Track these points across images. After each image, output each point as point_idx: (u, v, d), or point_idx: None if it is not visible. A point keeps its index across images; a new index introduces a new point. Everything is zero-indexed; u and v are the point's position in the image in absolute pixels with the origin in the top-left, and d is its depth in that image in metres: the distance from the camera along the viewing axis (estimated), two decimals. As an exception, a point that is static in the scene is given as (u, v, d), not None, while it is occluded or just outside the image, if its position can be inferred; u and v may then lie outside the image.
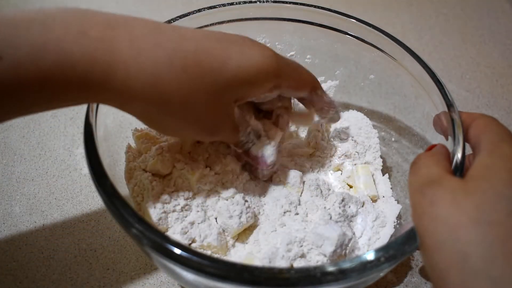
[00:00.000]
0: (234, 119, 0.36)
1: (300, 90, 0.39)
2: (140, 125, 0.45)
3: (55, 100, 0.29)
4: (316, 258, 0.37)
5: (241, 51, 0.33)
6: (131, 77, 0.29)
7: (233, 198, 0.39)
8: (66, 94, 0.29)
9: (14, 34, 0.26)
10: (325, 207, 0.40)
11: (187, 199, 0.39)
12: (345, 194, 0.42)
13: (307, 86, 0.39)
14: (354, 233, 0.40)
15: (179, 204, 0.38)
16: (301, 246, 0.37)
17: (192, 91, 0.31)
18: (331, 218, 0.39)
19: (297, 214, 0.41)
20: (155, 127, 0.35)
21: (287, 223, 0.40)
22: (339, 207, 0.40)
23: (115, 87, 0.29)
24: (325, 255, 0.36)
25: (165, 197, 0.38)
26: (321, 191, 0.43)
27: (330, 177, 0.47)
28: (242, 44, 0.34)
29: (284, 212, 0.41)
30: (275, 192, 0.42)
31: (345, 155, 0.48)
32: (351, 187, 0.47)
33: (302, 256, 0.37)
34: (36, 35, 0.27)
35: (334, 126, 0.50)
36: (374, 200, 0.46)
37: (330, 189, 0.44)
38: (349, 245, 0.38)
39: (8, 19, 0.27)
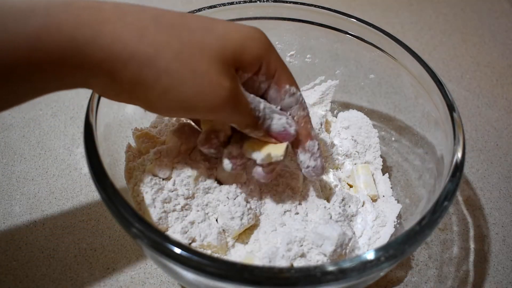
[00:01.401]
0: (240, 89, 0.34)
1: (285, 83, 0.36)
2: (140, 124, 0.45)
3: (45, 71, 0.28)
4: (316, 257, 0.37)
5: (227, 22, 0.34)
6: (119, 33, 0.29)
7: (234, 199, 0.39)
8: (55, 61, 0.28)
9: (3, 5, 0.27)
10: (325, 207, 0.40)
11: (187, 198, 0.39)
12: (345, 193, 0.42)
13: (292, 82, 0.37)
14: (354, 233, 0.40)
15: (179, 204, 0.38)
16: (301, 245, 0.37)
17: (183, 44, 0.31)
18: (331, 217, 0.39)
19: (297, 213, 0.41)
20: (153, 97, 0.32)
21: (287, 223, 0.40)
22: (339, 207, 0.40)
23: (103, 43, 0.29)
24: (325, 255, 0.36)
25: (166, 195, 0.38)
26: (322, 191, 0.43)
27: (331, 176, 0.47)
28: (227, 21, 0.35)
29: (285, 212, 0.41)
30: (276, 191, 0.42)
31: (346, 155, 0.48)
32: (351, 186, 0.47)
33: (302, 255, 0.37)
34: (25, 5, 0.27)
35: (334, 127, 0.50)
36: (374, 199, 0.46)
37: (330, 189, 0.44)
38: (349, 244, 0.38)
39: None
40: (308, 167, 0.38)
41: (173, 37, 0.31)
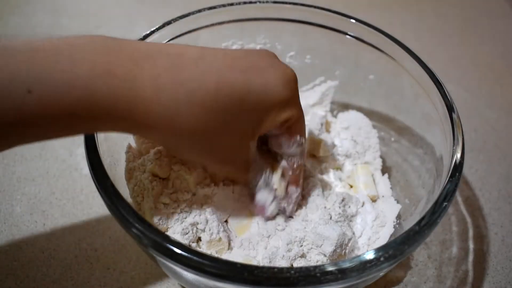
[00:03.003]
0: (248, 153, 0.36)
1: (298, 133, 0.38)
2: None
3: (76, 131, 0.30)
4: (316, 257, 0.37)
5: (263, 82, 0.33)
6: (151, 113, 0.30)
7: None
8: (88, 127, 0.30)
9: (43, 68, 0.27)
10: (325, 207, 0.41)
11: (186, 200, 0.39)
12: (345, 194, 0.42)
13: (303, 130, 0.39)
14: (354, 233, 0.40)
15: (178, 206, 0.38)
16: (301, 245, 0.37)
17: (209, 126, 0.32)
18: (331, 218, 0.39)
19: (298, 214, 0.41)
20: (172, 152, 0.38)
21: (287, 223, 0.40)
22: (339, 207, 0.40)
23: (136, 120, 0.30)
24: (325, 255, 0.36)
25: (165, 197, 0.38)
26: (322, 191, 0.43)
27: (331, 176, 0.47)
28: (266, 71, 0.34)
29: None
30: None
31: (346, 155, 0.48)
32: (351, 186, 0.47)
33: (302, 256, 0.37)
34: (64, 71, 0.27)
35: (333, 127, 0.51)
36: (373, 200, 0.46)
37: (330, 189, 0.44)
38: (349, 244, 0.38)
39: (36, 49, 0.27)
40: (280, 204, 0.40)
41: (202, 121, 0.32)
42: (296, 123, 0.37)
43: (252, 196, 0.40)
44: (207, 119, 0.32)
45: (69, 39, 0.29)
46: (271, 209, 0.39)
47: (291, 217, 0.41)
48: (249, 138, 0.35)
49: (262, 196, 0.39)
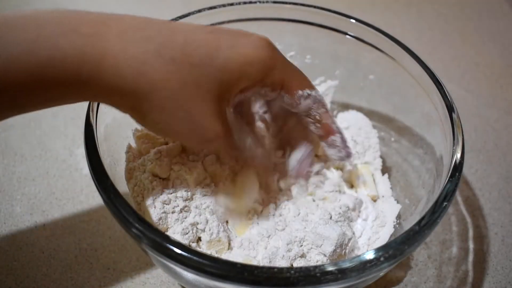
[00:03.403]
0: (226, 120, 0.35)
1: (296, 88, 0.37)
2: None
3: (47, 97, 0.30)
4: (316, 257, 0.37)
5: (232, 42, 0.33)
6: (120, 67, 0.30)
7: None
8: (58, 89, 0.29)
9: (8, 32, 0.27)
10: (325, 207, 0.41)
11: (186, 200, 0.39)
12: (346, 193, 0.42)
13: (305, 85, 0.37)
14: (354, 233, 0.40)
15: (178, 206, 0.38)
16: (301, 245, 0.37)
17: (180, 83, 0.31)
18: (331, 217, 0.39)
19: (298, 214, 0.41)
20: (146, 124, 0.34)
21: (287, 223, 0.40)
22: (339, 207, 0.40)
23: (104, 78, 0.29)
24: (324, 255, 0.36)
25: (165, 197, 0.38)
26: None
27: (331, 176, 0.47)
28: (234, 35, 0.33)
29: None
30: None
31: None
32: (352, 186, 0.47)
33: (302, 256, 0.37)
34: (29, 32, 0.27)
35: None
36: (374, 199, 0.46)
37: (331, 190, 0.44)
38: (349, 244, 0.38)
39: (1, 18, 0.28)
40: (337, 157, 0.40)
41: (171, 74, 0.31)
42: (289, 82, 0.36)
43: (250, 157, 0.39)
44: (178, 75, 0.31)
45: (35, 9, 0.29)
46: (313, 166, 0.40)
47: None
48: (224, 102, 0.34)
49: (295, 157, 0.39)
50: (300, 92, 0.37)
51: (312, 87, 0.37)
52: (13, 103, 0.29)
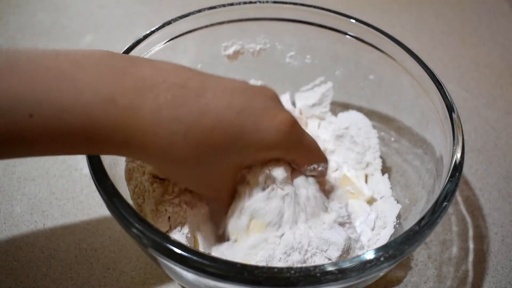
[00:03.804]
0: (234, 182, 0.38)
1: (306, 164, 0.39)
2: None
3: (75, 152, 0.33)
4: (321, 262, 0.36)
5: (257, 127, 0.34)
6: (148, 143, 0.31)
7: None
8: (86, 150, 0.32)
9: (45, 93, 0.27)
10: (328, 211, 0.40)
11: (187, 200, 0.39)
12: (347, 198, 0.42)
13: (315, 160, 0.40)
14: (360, 236, 0.40)
15: (180, 209, 0.38)
16: (306, 251, 0.37)
17: (203, 163, 0.33)
18: (334, 221, 0.39)
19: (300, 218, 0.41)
20: (163, 175, 0.40)
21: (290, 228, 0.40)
22: (345, 211, 0.40)
23: (132, 149, 0.31)
24: (330, 259, 0.36)
25: (166, 199, 0.38)
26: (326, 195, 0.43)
27: (332, 179, 0.47)
28: (261, 115, 0.34)
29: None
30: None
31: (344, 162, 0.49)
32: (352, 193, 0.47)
33: (304, 263, 0.36)
34: (66, 96, 0.27)
35: (333, 131, 0.50)
36: (369, 202, 0.46)
37: (334, 192, 0.44)
38: (357, 246, 0.38)
39: (39, 67, 0.27)
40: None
41: (193, 156, 0.33)
42: (301, 159, 0.39)
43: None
44: (200, 153, 0.33)
45: (73, 55, 0.29)
46: None
47: None
48: (238, 170, 0.37)
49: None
50: (306, 167, 0.39)
51: (321, 160, 0.40)
52: (38, 153, 0.30)
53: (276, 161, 0.38)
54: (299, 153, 0.38)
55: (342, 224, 0.39)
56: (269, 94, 0.36)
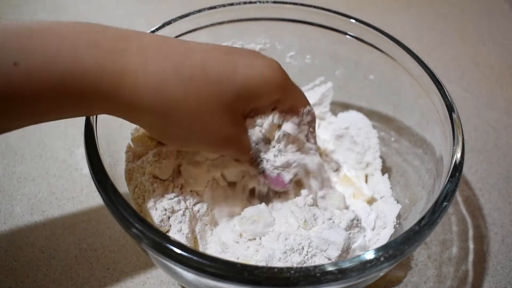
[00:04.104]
0: (245, 132, 0.36)
1: (297, 110, 0.39)
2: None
3: (65, 108, 0.30)
4: (321, 262, 0.36)
5: (248, 63, 0.34)
6: (139, 84, 0.30)
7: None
8: (76, 102, 0.30)
9: (29, 42, 0.27)
10: (330, 218, 0.40)
11: (187, 200, 0.39)
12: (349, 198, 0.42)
13: (305, 103, 0.39)
14: (365, 236, 0.40)
15: (180, 209, 0.38)
16: (306, 252, 0.37)
17: (199, 101, 0.32)
18: (333, 222, 0.39)
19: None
20: (163, 138, 0.36)
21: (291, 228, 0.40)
22: (349, 212, 0.40)
23: (124, 94, 0.30)
24: (329, 259, 0.36)
25: (166, 199, 0.38)
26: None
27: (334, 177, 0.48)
28: (249, 56, 0.35)
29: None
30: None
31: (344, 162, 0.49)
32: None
33: (304, 263, 0.36)
34: (50, 44, 0.28)
35: (333, 131, 0.50)
36: (369, 202, 0.46)
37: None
38: (365, 244, 0.39)
39: (23, 28, 0.28)
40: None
41: (190, 92, 0.31)
42: (296, 104, 0.38)
43: (263, 175, 0.40)
44: (196, 93, 0.32)
45: (55, 21, 0.30)
46: (287, 175, 0.39)
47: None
48: (240, 114, 0.35)
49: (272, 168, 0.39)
50: (303, 109, 0.39)
51: (308, 103, 0.40)
52: (31, 112, 0.29)
53: (284, 115, 0.38)
54: (294, 93, 0.38)
55: (353, 227, 0.39)
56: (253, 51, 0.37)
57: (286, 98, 0.37)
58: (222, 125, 0.34)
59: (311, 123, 0.40)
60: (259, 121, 0.37)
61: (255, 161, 0.38)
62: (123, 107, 0.31)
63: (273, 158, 0.39)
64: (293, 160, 0.39)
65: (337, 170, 0.49)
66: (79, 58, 0.28)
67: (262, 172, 0.39)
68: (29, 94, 0.27)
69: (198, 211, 0.40)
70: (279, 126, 0.39)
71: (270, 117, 0.37)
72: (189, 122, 0.33)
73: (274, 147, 0.39)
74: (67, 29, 0.29)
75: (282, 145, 0.39)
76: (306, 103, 0.39)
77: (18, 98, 0.27)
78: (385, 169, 0.49)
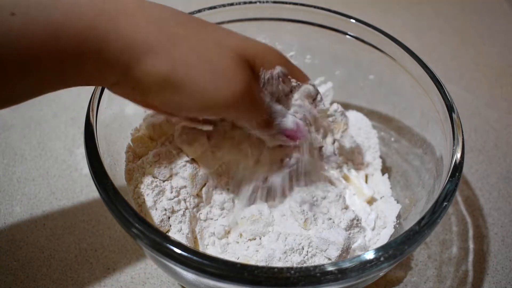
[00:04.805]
0: (256, 85, 0.34)
1: (303, 81, 0.38)
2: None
3: (65, 64, 0.29)
4: (321, 262, 0.36)
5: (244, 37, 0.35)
6: (138, 22, 0.30)
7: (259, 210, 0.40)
8: (76, 53, 0.28)
9: None
10: (330, 218, 0.40)
11: (187, 200, 0.39)
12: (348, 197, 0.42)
13: (303, 78, 0.39)
14: (365, 236, 0.40)
15: (180, 209, 0.38)
16: (306, 252, 0.37)
17: (200, 40, 0.31)
18: (333, 222, 0.39)
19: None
20: (171, 94, 0.31)
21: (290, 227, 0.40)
22: (351, 213, 0.40)
23: (122, 35, 0.29)
24: (329, 259, 0.36)
25: (166, 199, 0.38)
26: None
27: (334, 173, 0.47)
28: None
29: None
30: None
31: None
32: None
33: (304, 263, 0.36)
34: None
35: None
36: (369, 202, 0.46)
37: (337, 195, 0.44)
38: (365, 244, 0.39)
39: None
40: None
41: (190, 31, 0.31)
42: (297, 77, 0.38)
43: (283, 133, 0.38)
44: (194, 31, 0.31)
45: None
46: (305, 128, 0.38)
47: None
48: (245, 62, 0.33)
49: (288, 120, 0.38)
50: (310, 82, 0.39)
51: (308, 78, 0.40)
52: (31, 68, 0.28)
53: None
54: (295, 66, 0.38)
55: (353, 227, 0.39)
56: None
57: (289, 68, 0.37)
58: (232, 68, 0.32)
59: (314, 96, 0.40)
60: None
61: (270, 117, 0.36)
62: (123, 50, 0.29)
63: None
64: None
65: (337, 170, 0.49)
66: (76, 5, 0.28)
67: (280, 130, 0.37)
68: (28, 45, 0.27)
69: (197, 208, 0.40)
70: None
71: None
72: (194, 59, 0.31)
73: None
74: None
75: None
76: (308, 79, 0.39)
77: (18, 50, 0.27)
78: (385, 169, 0.49)
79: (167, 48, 0.30)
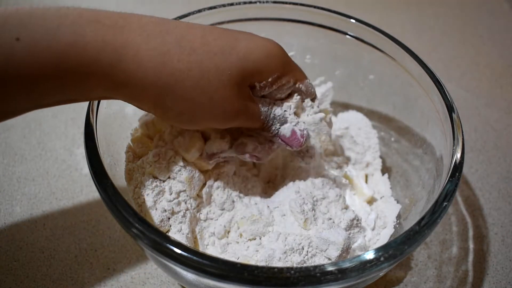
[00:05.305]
0: (252, 101, 0.36)
1: (303, 79, 0.39)
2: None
3: (67, 87, 0.30)
4: (321, 262, 0.36)
5: (248, 37, 0.35)
6: (141, 57, 0.30)
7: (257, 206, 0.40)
8: (78, 79, 0.30)
9: (30, 19, 0.28)
10: (330, 218, 0.40)
11: (187, 201, 0.39)
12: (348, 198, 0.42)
13: (304, 78, 0.39)
14: (365, 236, 0.40)
15: (181, 210, 0.38)
16: (306, 252, 0.37)
17: (202, 72, 0.32)
18: (333, 222, 0.39)
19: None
20: (169, 116, 0.34)
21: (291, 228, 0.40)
22: (352, 213, 0.40)
23: (126, 68, 0.30)
24: (329, 259, 0.36)
25: (166, 199, 0.38)
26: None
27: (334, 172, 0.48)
28: (248, 33, 0.35)
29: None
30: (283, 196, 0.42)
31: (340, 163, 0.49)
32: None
33: (304, 263, 0.37)
34: (51, 20, 0.28)
35: (333, 131, 0.50)
36: (369, 202, 0.46)
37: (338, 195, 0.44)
38: (365, 244, 0.39)
39: (23, 9, 0.28)
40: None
41: (193, 64, 0.32)
42: (296, 71, 0.38)
43: (280, 138, 0.39)
44: (200, 64, 0.32)
45: (54, 5, 0.30)
46: (300, 131, 0.39)
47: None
48: (245, 88, 0.35)
49: (286, 127, 0.38)
50: (307, 81, 0.39)
51: (307, 78, 0.40)
52: (33, 90, 0.29)
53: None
54: (294, 65, 0.38)
55: (353, 227, 0.39)
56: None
57: (287, 72, 0.37)
58: (228, 98, 0.33)
59: (313, 96, 0.40)
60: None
61: (266, 125, 0.38)
62: (125, 82, 0.31)
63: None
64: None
65: (337, 170, 0.49)
66: (80, 32, 0.28)
67: (276, 134, 0.38)
68: (31, 70, 0.28)
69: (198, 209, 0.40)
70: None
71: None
72: (194, 95, 0.32)
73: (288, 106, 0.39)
74: (67, 10, 0.29)
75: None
76: (306, 78, 0.39)
77: (20, 74, 0.27)
78: (385, 169, 0.49)
79: (169, 85, 0.31)
